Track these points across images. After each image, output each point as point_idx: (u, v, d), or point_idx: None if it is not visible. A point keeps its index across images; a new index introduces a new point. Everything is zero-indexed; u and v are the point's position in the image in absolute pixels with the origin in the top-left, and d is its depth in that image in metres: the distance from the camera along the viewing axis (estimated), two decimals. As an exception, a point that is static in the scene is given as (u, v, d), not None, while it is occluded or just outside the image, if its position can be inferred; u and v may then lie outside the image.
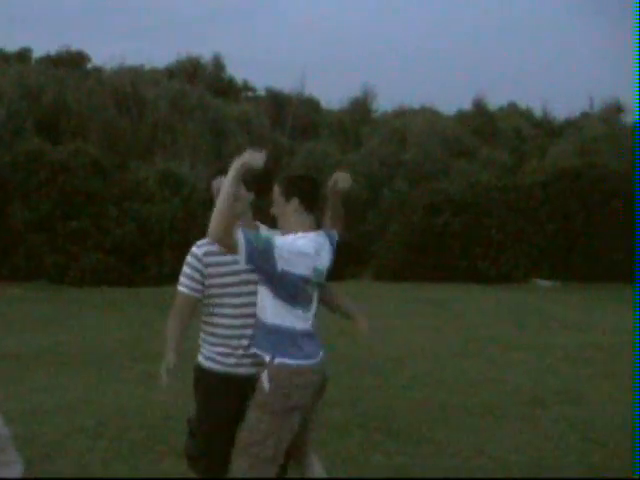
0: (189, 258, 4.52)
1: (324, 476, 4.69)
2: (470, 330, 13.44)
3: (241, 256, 4.14)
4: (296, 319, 4.38)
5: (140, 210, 21.15)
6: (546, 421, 7.67)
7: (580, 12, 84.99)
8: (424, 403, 8.26)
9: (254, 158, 4.21)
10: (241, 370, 4.46)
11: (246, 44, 78.92)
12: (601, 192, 23.92)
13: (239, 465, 4.29)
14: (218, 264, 4.46)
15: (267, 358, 4.30)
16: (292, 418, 4.35)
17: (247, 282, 4.44)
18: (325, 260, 4.52)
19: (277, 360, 4.29)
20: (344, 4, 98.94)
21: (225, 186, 4.14)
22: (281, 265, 4.20)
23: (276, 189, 4.50)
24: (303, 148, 32.05)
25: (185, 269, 4.52)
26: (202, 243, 4.52)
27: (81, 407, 7.90)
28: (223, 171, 4.32)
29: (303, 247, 4.32)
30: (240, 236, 4.11)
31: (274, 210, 4.51)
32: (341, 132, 37.52)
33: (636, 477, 5.66)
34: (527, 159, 32.99)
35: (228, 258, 4.38)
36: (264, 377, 4.27)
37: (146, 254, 20.87)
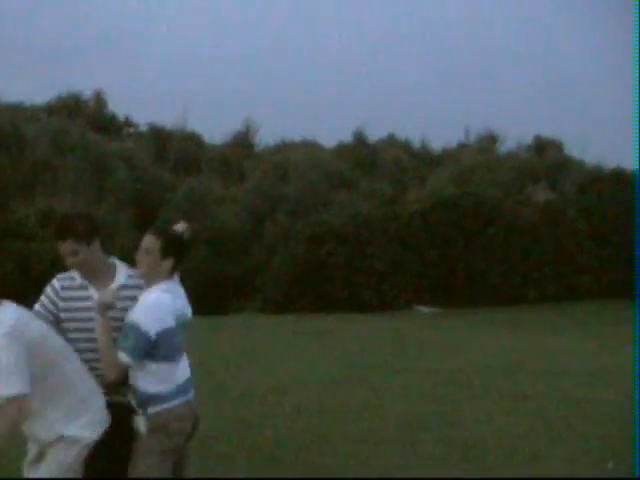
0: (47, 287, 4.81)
1: None
2: (352, 358, 13.56)
3: (130, 362, 4.41)
4: (179, 373, 4.63)
5: (21, 249, 20.84)
6: (427, 443, 7.86)
7: (455, 42, 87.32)
8: (308, 432, 8.35)
9: (104, 296, 4.48)
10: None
11: (127, 80, 78.16)
12: (478, 219, 24.57)
13: None
14: (72, 299, 4.68)
15: (140, 410, 4.52)
16: (168, 458, 4.56)
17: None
18: (182, 302, 4.77)
19: (151, 410, 4.49)
20: (223, 38, 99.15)
21: (101, 338, 4.43)
22: (154, 332, 4.42)
23: (153, 241, 4.65)
24: (186, 183, 32.01)
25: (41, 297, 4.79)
26: (63, 277, 4.79)
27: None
28: None
29: (161, 304, 4.55)
30: (123, 357, 4.39)
31: (142, 258, 4.66)
32: (224, 166, 37.59)
33: (636, 477, 5.80)
34: (407, 189, 33.68)
35: (83, 293, 4.66)
36: (141, 422, 4.49)
37: (28, 293, 20.48)
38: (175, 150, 37.37)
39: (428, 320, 20.84)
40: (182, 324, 4.68)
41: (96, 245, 4.69)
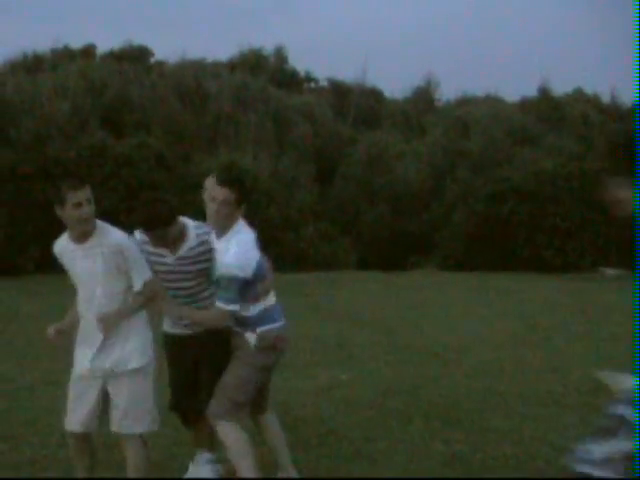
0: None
1: (281, 432, 5.53)
2: (533, 319, 13.32)
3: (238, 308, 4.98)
4: (273, 298, 5.24)
5: (204, 201, 21.28)
6: (610, 410, 7.54)
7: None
8: (485, 392, 8.19)
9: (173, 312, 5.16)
10: (177, 331, 5.36)
11: (308, 35, 78.98)
12: (670, 178, 23.45)
13: (216, 403, 5.02)
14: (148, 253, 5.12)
15: (249, 328, 5.10)
16: (264, 375, 5.23)
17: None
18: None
19: (260, 328, 5.09)
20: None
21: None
22: (251, 272, 4.96)
23: (227, 193, 5.00)
24: (366, 138, 31.97)
25: None
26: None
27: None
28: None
29: (254, 251, 5.09)
30: (230, 307, 4.91)
31: (220, 209, 5.01)
32: (404, 121, 37.36)
33: (636, 477, 5.52)
34: (595, 145, 32.49)
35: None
36: (251, 337, 5.07)
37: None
38: (355, 105, 37.39)
39: (613, 283, 20.15)
40: None
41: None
